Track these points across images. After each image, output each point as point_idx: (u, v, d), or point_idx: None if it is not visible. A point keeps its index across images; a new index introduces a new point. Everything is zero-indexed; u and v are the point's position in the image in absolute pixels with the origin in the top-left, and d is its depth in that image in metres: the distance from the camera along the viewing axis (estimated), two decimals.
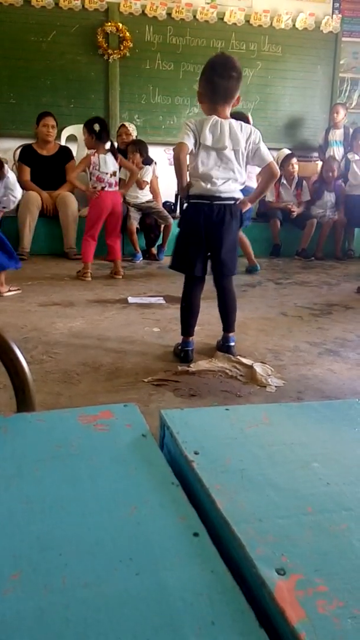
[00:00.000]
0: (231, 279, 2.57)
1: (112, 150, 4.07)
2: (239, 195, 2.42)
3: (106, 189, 4.01)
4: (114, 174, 4.05)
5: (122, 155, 4.96)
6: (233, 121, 2.37)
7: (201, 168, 2.35)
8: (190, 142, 2.34)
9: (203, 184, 2.35)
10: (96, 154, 3.97)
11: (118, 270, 4.18)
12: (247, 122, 3.88)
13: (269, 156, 2.42)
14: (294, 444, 0.68)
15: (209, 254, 2.46)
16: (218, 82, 2.30)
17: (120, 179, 4.26)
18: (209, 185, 2.34)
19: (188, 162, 2.39)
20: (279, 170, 2.56)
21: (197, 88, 2.49)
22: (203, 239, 2.40)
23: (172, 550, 0.49)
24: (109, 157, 4.01)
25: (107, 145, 4.02)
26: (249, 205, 2.51)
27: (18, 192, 3.55)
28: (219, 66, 2.31)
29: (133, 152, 4.84)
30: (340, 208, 5.61)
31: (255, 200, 2.57)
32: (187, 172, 2.40)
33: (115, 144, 5.19)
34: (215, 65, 2.32)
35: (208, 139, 2.32)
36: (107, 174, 3.98)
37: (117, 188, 4.11)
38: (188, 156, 2.37)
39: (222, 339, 2.61)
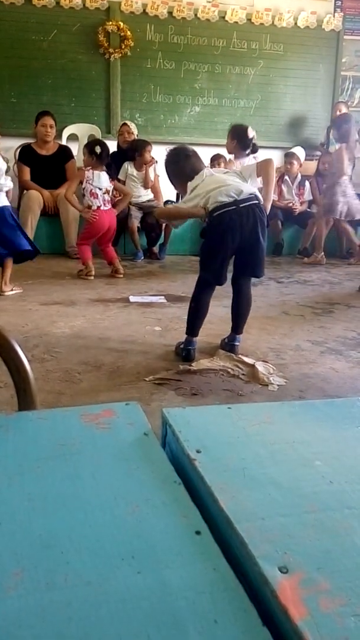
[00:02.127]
0: (250, 283, 2.58)
1: (108, 171, 4.12)
2: (260, 196, 2.41)
3: (102, 207, 4.04)
4: (108, 192, 4.08)
5: (122, 155, 4.98)
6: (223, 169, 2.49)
7: (211, 184, 2.35)
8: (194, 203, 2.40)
9: (221, 189, 2.31)
10: (91, 170, 4.02)
11: (118, 269, 4.20)
12: (245, 134, 3.91)
13: (253, 165, 2.51)
14: (296, 443, 0.67)
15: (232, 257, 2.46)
16: (186, 165, 2.44)
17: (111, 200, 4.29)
18: (227, 187, 2.32)
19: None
20: (269, 159, 2.55)
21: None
22: (234, 246, 2.35)
23: (174, 549, 0.49)
24: (103, 175, 4.06)
25: (103, 167, 4.08)
26: (269, 206, 2.49)
27: (5, 180, 3.54)
28: (179, 157, 2.47)
29: (145, 148, 4.86)
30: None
31: (269, 198, 2.53)
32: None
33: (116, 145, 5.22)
34: (176, 159, 2.48)
35: (195, 186, 2.39)
36: (100, 189, 4.01)
37: (109, 206, 4.14)
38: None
39: (228, 337, 2.61)
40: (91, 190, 4.00)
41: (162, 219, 2.41)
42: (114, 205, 4.25)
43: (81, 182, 4.05)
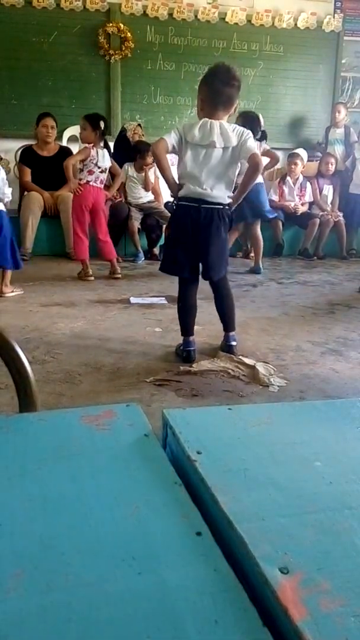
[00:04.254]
0: (225, 279, 2.56)
1: (107, 148, 4.09)
2: (228, 200, 2.40)
3: (91, 183, 4.00)
4: (105, 170, 4.06)
5: (130, 151, 4.97)
6: (224, 122, 2.37)
7: (189, 168, 2.34)
8: (170, 139, 2.34)
9: (191, 186, 2.34)
10: (94, 148, 3.98)
11: (115, 269, 4.18)
12: (258, 121, 3.90)
13: (255, 149, 2.41)
14: (297, 443, 0.67)
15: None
16: (221, 89, 2.31)
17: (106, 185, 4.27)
18: (197, 188, 2.33)
19: (177, 165, 2.40)
20: (261, 162, 2.51)
21: (198, 88, 2.49)
22: (191, 241, 2.39)
23: (174, 550, 0.49)
24: (106, 154, 4.04)
25: (102, 143, 4.03)
26: (234, 207, 2.47)
27: (7, 190, 3.53)
28: (221, 73, 2.32)
29: (147, 151, 4.87)
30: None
31: (240, 198, 2.50)
32: (174, 173, 2.41)
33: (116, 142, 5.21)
34: (218, 73, 2.33)
35: (196, 137, 2.32)
36: (99, 168, 3.99)
37: (101, 186, 4.09)
38: (176, 158, 2.39)
39: (223, 338, 2.61)
40: (90, 169, 3.98)
41: (155, 154, 2.39)
42: (107, 188, 4.21)
43: (83, 160, 4.00)
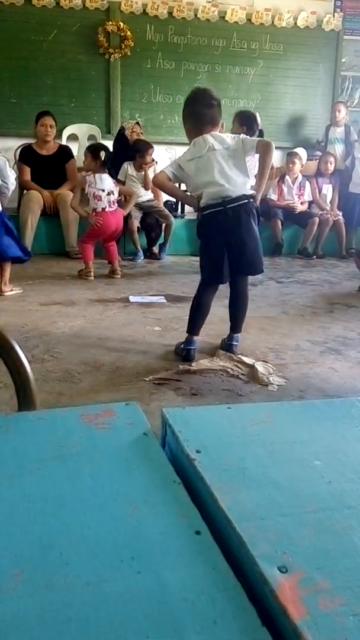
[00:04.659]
0: (247, 282, 2.58)
1: (111, 174, 4.12)
2: (250, 192, 2.40)
3: (107, 209, 4.02)
4: (112, 193, 4.06)
5: (129, 150, 4.97)
6: (214, 132, 2.42)
7: (200, 177, 2.35)
8: (168, 170, 2.42)
9: (210, 189, 2.33)
10: (91, 174, 4.01)
11: (115, 269, 4.20)
12: (255, 120, 3.90)
13: (255, 140, 2.44)
14: (296, 443, 0.67)
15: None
16: (203, 111, 2.42)
17: (118, 200, 4.28)
18: (216, 188, 2.32)
19: (185, 188, 2.41)
20: (271, 142, 2.50)
21: (182, 117, 2.56)
22: (224, 246, 2.37)
23: (173, 549, 0.49)
24: (105, 176, 4.05)
25: (105, 170, 4.08)
26: (259, 196, 2.47)
27: (11, 176, 3.51)
28: (200, 97, 2.45)
29: (147, 150, 4.88)
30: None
31: (262, 187, 2.50)
32: (186, 192, 2.42)
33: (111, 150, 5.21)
34: (197, 97, 2.46)
35: (194, 151, 2.37)
36: (103, 191, 4.00)
37: (116, 206, 4.12)
38: (183, 183, 2.42)
39: (227, 337, 2.61)
40: (94, 193, 4.00)
41: (159, 188, 2.43)
42: (120, 206, 4.24)
43: (83, 189, 4.04)
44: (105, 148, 4.12)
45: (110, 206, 4.05)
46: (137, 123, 5.33)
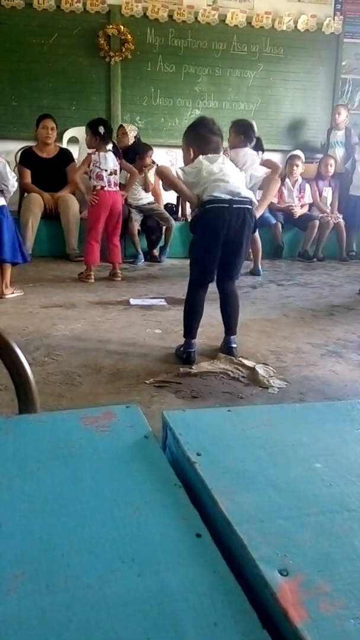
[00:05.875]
0: (234, 282, 2.58)
1: (114, 150, 4.10)
2: (255, 199, 2.42)
3: (105, 188, 4.01)
4: (115, 172, 4.06)
5: (129, 153, 4.98)
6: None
7: (211, 173, 2.34)
8: (173, 169, 2.51)
9: (218, 183, 2.32)
10: (97, 153, 4.00)
11: (116, 272, 4.20)
12: (252, 128, 3.91)
13: (261, 173, 2.56)
14: (296, 445, 0.67)
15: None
16: (209, 136, 2.45)
17: (120, 183, 4.28)
18: (226, 186, 2.31)
19: (193, 189, 2.42)
20: (278, 180, 2.60)
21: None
22: (220, 244, 2.36)
23: (174, 551, 0.49)
24: (110, 155, 4.04)
25: (109, 146, 4.05)
26: (259, 212, 2.51)
27: (11, 179, 3.52)
28: (207, 123, 2.49)
29: (147, 153, 4.89)
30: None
31: (265, 204, 2.58)
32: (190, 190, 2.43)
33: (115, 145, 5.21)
34: (204, 123, 2.49)
35: (199, 161, 2.39)
36: (106, 171, 3.99)
37: (117, 188, 4.11)
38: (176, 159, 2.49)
39: (224, 340, 2.61)
40: (97, 173, 4.00)
41: (160, 177, 2.46)
42: (121, 187, 4.22)
43: (88, 165, 4.03)
44: (104, 122, 4.07)
45: (110, 186, 4.03)
46: (121, 125, 5.30)
